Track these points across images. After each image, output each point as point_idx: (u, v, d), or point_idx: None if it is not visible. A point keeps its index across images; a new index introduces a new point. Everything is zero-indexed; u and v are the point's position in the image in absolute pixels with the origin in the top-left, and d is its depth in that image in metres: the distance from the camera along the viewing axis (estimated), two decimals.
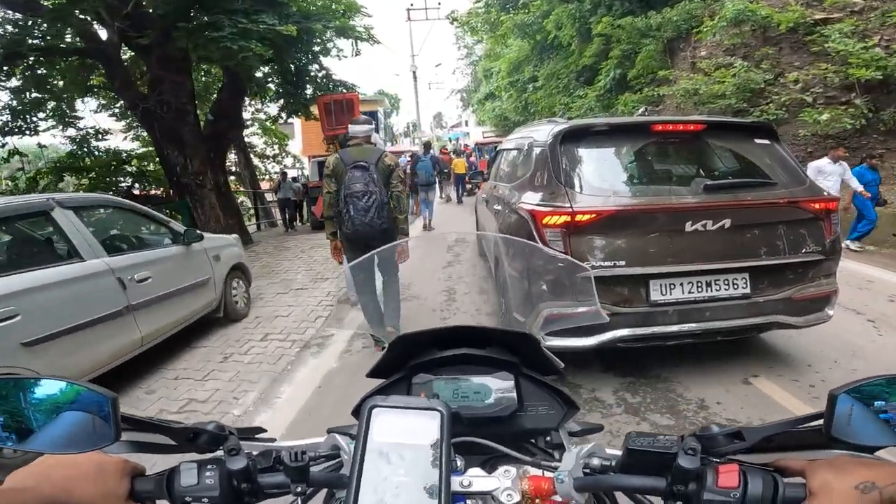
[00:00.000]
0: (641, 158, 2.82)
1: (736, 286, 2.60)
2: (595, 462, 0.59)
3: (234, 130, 9.80)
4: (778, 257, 2.57)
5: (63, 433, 0.49)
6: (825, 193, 2.70)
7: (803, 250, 2.60)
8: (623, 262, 2.53)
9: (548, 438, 0.78)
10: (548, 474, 0.60)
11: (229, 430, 0.60)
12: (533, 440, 0.80)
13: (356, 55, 10.47)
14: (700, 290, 2.59)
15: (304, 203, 12.66)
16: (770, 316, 2.64)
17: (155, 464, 0.61)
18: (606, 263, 2.53)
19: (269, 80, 10.75)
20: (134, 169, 10.25)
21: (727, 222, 2.50)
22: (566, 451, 0.63)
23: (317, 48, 10.07)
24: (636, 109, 10.36)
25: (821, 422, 0.50)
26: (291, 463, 0.55)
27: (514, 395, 0.75)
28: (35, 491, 0.49)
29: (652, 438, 0.54)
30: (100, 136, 9.55)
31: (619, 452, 0.59)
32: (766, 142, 2.81)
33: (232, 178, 16.06)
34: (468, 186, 13.79)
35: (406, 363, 0.80)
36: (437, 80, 70.72)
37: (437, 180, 10.37)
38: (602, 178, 2.73)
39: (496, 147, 7.99)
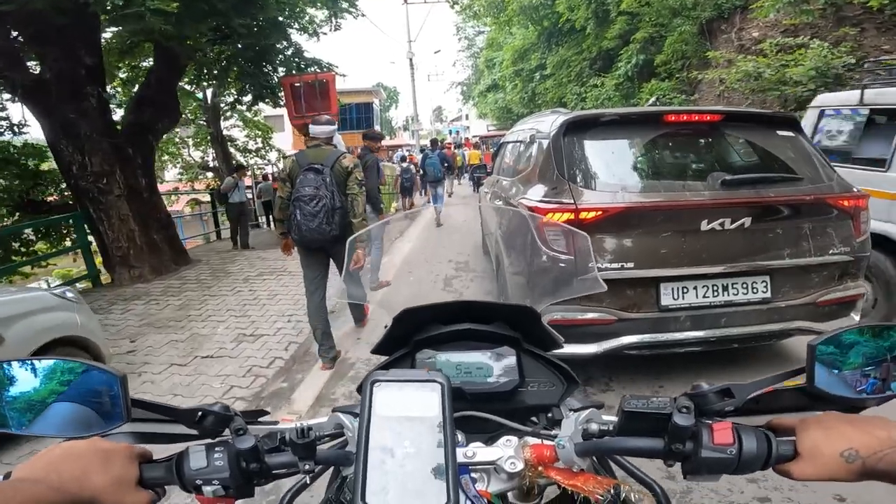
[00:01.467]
0: (653, 151, 2.67)
1: (755, 290, 2.46)
2: (593, 427, 0.61)
3: (166, 120, 7.60)
4: (802, 259, 2.43)
5: (74, 416, 0.52)
6: (855, 189, 2.53)
7: (831, 251, 2.46)
8: (631, 264, 2.39)
9: (549, 415, 0.79)
10: (548, 442, 0.62)
11: (234, 412, 0.61)
12: (535, 417, 0.82)
13: (335, 30, 9.39)
14: (716, 294, 2.45)
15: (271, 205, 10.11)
16: (792, 322, 2.51)
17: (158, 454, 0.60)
18: (613, 265, 2.40)
19: (226, 59, 8.68)
20: (19, 168, 7.73)
21: (747, 221, 2.35)
22: (566, 418, 0.66)
23: (286, 18, 8.47)
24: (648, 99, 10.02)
25: (804, 377, 0.52)
26: (298, 440, 0.56)
27: (516, 370, 0.77)
28: (45, 481, 0.49)
29: (646, 400, 0.56)
30: (15, 129, 7.43)
31: (615, 418, 0.60)
32: (790, 133, 2.65)
33: (209, 174, 14.60)
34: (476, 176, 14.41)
35: (410, 339, 0.82)
36: (436, 71, 69.86)
37: (444, 175, 10.43)
38: (609, 172, 2.58)
39: (499, 139, 7.87)
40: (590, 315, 2.46)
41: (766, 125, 2.69)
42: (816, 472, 0.50)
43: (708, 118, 2.60)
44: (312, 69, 9.10)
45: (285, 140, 21.19)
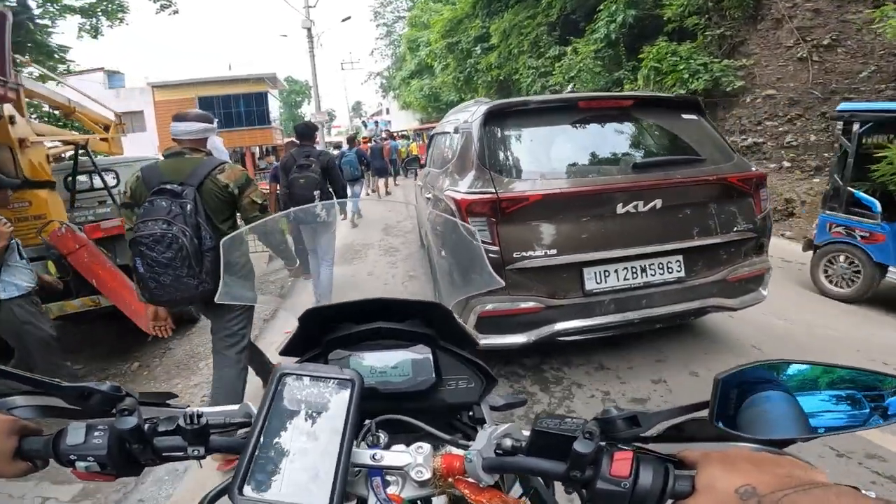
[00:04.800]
0: (570, 138, 2.86)
1: (670, 270, 2.69)
2: (507, 443, 0.61)
3: None
4: (710, 237, 2.70)
5: None
6: (754, 168, 2.83)
7: (735, 228, 2.75)
8: (555, 251, 2.55)
9: (471, 413, 0.82)
10: (462, 453, 0.63)
11: (127, 392, 0.64)
12: (459, 416, 0.84)
13: None
14: (635, 275, 2.67)
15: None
16: (706, 299, 2.77)
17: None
18: (537, 253, 2.54)
19: None
20: None
21: (658, 202, 2.58)
22: (482, 429, 0.66)
23: None
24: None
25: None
26: (187, 426, 0.59)
27: (432, 369, 0.79)
28: None
29: (559, 420, 0.56)
30: None
31: None
32: (694, 117, 2.92)
33: None
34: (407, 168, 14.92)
35: (321, 339, 0.83)
36: (350, 59, 65.16)
37: (362, 174, 10.26)
38: (529, 160, 2.74)
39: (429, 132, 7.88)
40: (520, 305, 2.58)
41: (673, 109, 2.97)
42: None
43: (620, 103, 2.81)
44: None
45: (146, 143, 15.65)
